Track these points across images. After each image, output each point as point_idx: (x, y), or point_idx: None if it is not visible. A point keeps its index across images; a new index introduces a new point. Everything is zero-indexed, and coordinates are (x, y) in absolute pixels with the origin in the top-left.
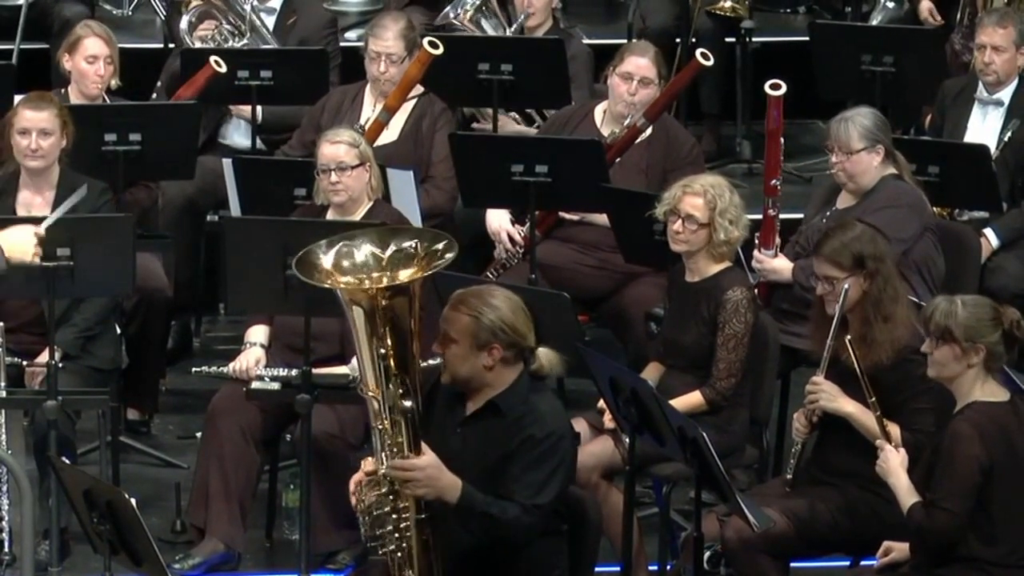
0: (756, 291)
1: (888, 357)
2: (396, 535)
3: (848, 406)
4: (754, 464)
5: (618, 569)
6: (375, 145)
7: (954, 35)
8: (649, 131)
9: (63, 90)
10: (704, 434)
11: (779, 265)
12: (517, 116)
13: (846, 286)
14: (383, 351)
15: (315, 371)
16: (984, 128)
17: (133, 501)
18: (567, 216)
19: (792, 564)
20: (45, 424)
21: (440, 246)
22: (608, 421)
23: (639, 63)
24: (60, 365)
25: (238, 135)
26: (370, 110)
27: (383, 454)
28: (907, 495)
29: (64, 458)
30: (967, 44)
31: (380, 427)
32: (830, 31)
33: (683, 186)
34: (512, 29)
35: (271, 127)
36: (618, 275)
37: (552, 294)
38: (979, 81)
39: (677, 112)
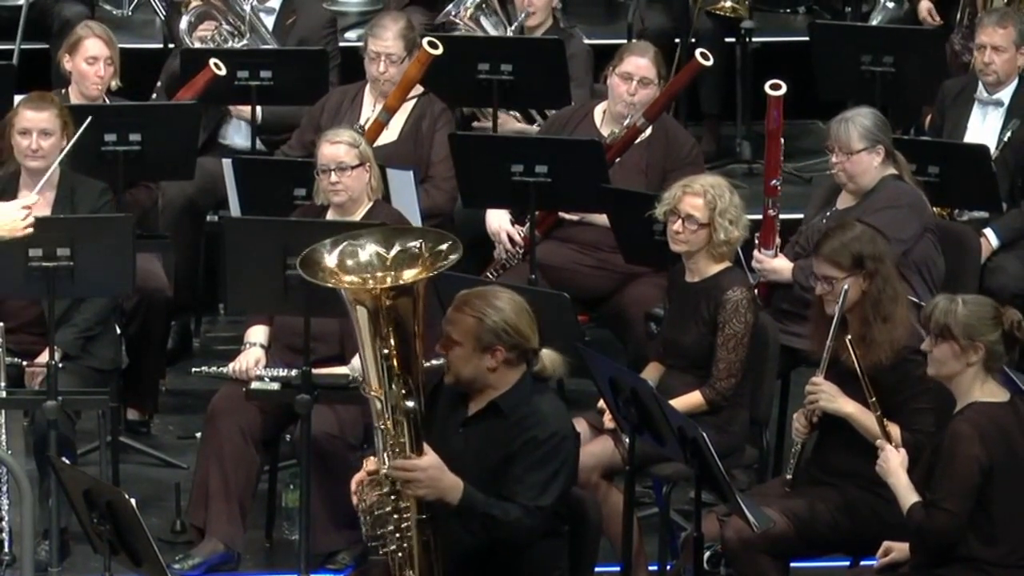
0: (756, 291)
1: (887, 357)
2: (397, 535)
3: (848, 406)
4: (754, 464)
5: (618, 569)
6: (375, 145)
7: (954, 35)
8: (649, 131)
9: (63, 90)
10: (704, 434)
11: (779, 265)
12: (518, 114)
13: (845, 286)
14: (386, 351)
15: (315, 371)
16: (984, 128)
17: (133, 501)
18: (567, 216)
19: (792, 564)
20: (45, 424)
21: (444, 247)
22: (608, 421)
23: (639, 63)
24: (60, 365)
25: (238, 136)
26: (370, 110)
27: (385, 454)
28: (907, 495)
29: (64, 458)
30: (967, 44)
31: (382, 427)
32: (830, 31)
33: (683, 186)
34: (512, 28)
35: (271, 128)
36: (618, 275)
37: (552, 294)
38: (979, 81)
39: (677, 112)
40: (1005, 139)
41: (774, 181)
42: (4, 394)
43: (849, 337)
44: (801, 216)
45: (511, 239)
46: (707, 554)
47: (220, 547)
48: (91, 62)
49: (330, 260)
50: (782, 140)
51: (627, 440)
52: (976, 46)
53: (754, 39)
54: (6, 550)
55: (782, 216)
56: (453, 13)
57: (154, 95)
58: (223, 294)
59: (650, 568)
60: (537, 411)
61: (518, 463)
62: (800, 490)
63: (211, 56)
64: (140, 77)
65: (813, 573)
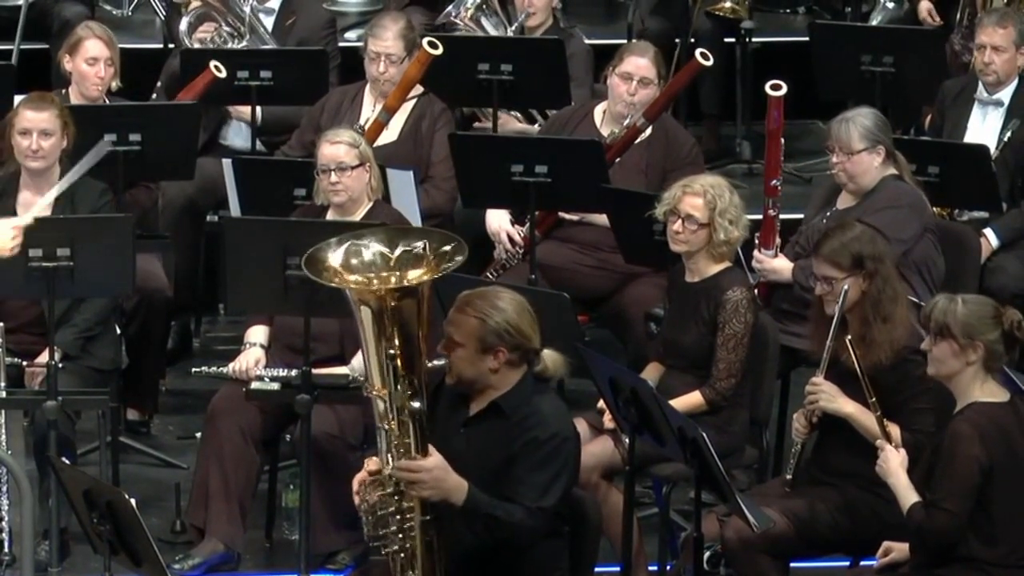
0: (756, 291)
1: (887, 357)
2: (400, 535)
3: (848, 406)
4: (754, 464)
5: (618, 569)
6: (375, 145)
7: (954, 35)
8: (649, 131)
9: (63, 91)
10: (704, 434)
11: (779, 265)
12: (519, 115)
13: (845, 286)
14: (392, 351)
15: (315, 371)
16: (984, 128)
17: (133, 501)
18: (567, 216)
19: (792, 564)
20: (45, 424)
21: (449, 248)
22: (608, 421)
23: (639, 63)
24: (60, 365)
25: (238, 139)
26: (370, 110)
27: (388, 455)
28: (907, 495)
29: (64, 458)
30: (967, 44)
31: (387, 428)
32: (830, 31)
33: (683, 186)
34: (512, 29)
35: (270, 129)
36: (618, 275)
37: (552, 294)
38: (979, 81)
39: (677, 112)
40: (1005, 139)
41: (774, 181)
42: (4, 394)
43: (849, 337)
44: (801, 216)
45: (511, 239)
46: (707, 554)
47: (220, 547)
48: (91, 63)
49: (335, 259)
50: (782, 140)
51: (627, 440)
52: (976, 46)
53: (754, 39)
54: (6, 550)
55: (782, 216)
56: (453, 14)
57: (154, 95)
58: (223, 294)
59: (650, 568)
60: (538, 412)
61: (520, 464)
62: (800, 490)
63: (211, 56)
64: (140, 77)
65: (813, 573)
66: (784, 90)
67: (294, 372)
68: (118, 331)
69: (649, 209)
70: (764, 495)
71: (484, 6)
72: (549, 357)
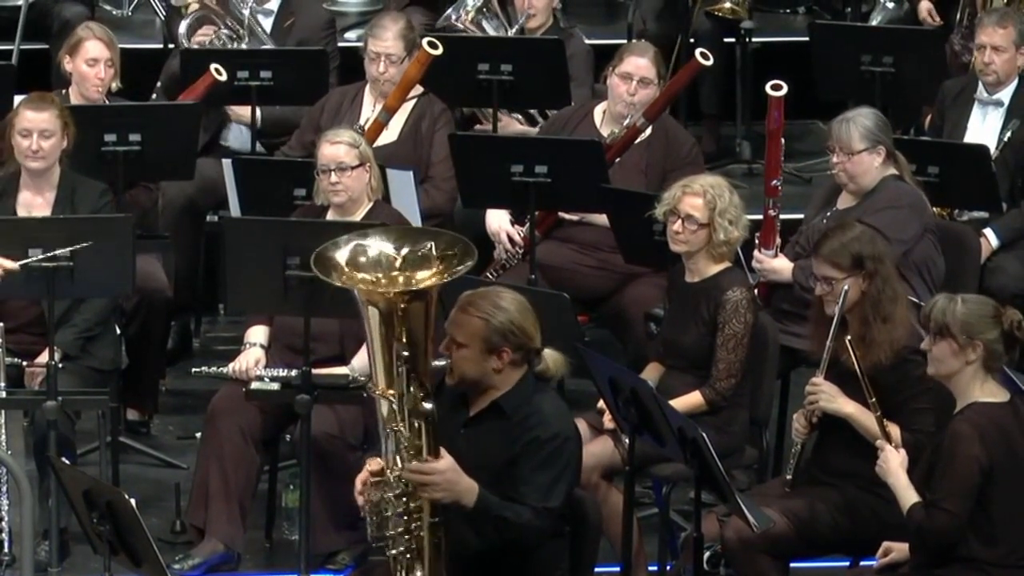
0: (756, 291)
1: (887, 357)
2: (407, 537)
3: (847, 407)
4: (754, 464)
5: (618, 569)
6: (375, 145)
7: (954, 35)
8: (648, 131)
9: (64, 91)
10: (704, 434)
11: (779, 265)
12: (520, 117)
13: (845, 287)
14: (405, 353)
15: (315, 371)
16: (984, 128)
17: (133, 501)
18: (567, 216)
19: (792, 564)
20: (45, 424)
21: (457, 250)
22: (608, 421)
23: (638, 63)
24: (60, 365)
25: (237, 143)
26: (370, 110)
27: (397, 456)
28: (907, 495)
29: (64, 458)
30: (967, 44)
31: (396, 429)
32: (830, 31)
33: (683, 186)
34: (513, 31)
35: (270, 132)
36: (618, 275)
37: (552, 294)
38: (979, 81)
39: (677, 112)
40: (1005, 139)
41: (775, 181)
42: (4, 394)
43: (849, 337)
44: (801, 216)
45: (511, 239)
46: (707, 554)
47: (220, 547)
48: (91, 64)
49: (343, 258)
50: (783, 140)
51: (627, 440)
52: (976, 46)
53: (754, 39)
54: (6, 550)
55: (782, 216)
56: (453, 18)
57: (154, 95)
58: (223, 294)
59: (650, 568)
60: (539, 411)
61: (523, 464)
62: (800, 490)
63: (211, 56)
64: (140, 77)
65: (813, 573)
66: (785, 90)
67: (294, 372)
68: (118, 331)
69: (649, 209)
70: (764, 495)
71: (485, 9)
72: (550, 356)
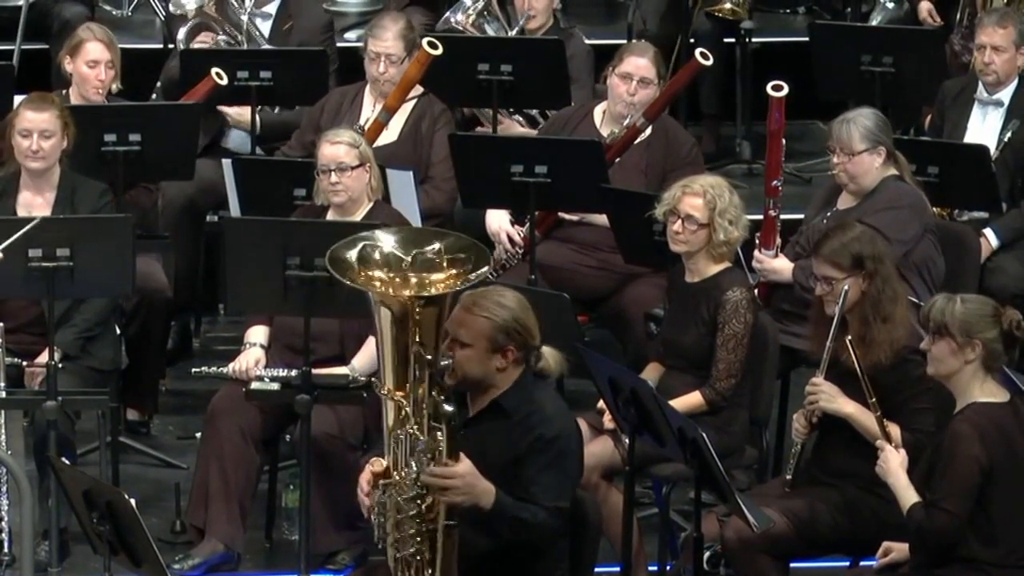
0: (756, 291)
1: (887, 357)
2: (418, 539)
3: (847, 407)
4: (754, 464)
5: (618, 569)
6: (375, 146)
7: (954, 35)
8: (648, 131)
9: (64, 91)
10: (704, 434)
11: (779, 265)
12: (521, 119)
13: (845, 287)
14: (429, 357)
15: (315, 371)
16: (984, 128)
17: (133, 501)
18: (567, 216)
19: (792, 564)
20: (45, 424)
21: (470, 253)
22: (608, 421)
23: (638, 63)
24: (60, 365)
25: (236, 147)
26: (370, 110)
27: (412, 459)
28: (907, 495)
29: (64, 458)
30: (967, 44)
31: (411, 432)
32: (830, 31)
33: (683, 186)
34: (514, 32)
35: (268, 137)
36: (618, 275)
37: (552, 294)
38: (979, 81)
39: (676, 112)
40: (1005, 139)
41: (775, 181)
42: (4, 394)
43: (849, 337)
44: (801, 216)
45: (511, 239)
46: (707, 554)
47: (220, 547)
48: (92, 65)
49: (355, 257)
50: (783, 141)
51: (627, 440)
52: (976, 46)
53: (754, 39)
54: (6, 550)
55: (782, 216)
56: (453, 20)
57: (153, 95)
58: (223, 294)
59: (650, 568)
60: (541, 409)
61: (530, 464)
62: (800, 490)
63: (210, 57)
64: (140, 77)
65: (813, 573)
66: (786, 91)
67: (294, 372)
68: (118, 331)
69: (649, 209)
70: (764, 495)
71: (486, 12)
72: (549, 354)
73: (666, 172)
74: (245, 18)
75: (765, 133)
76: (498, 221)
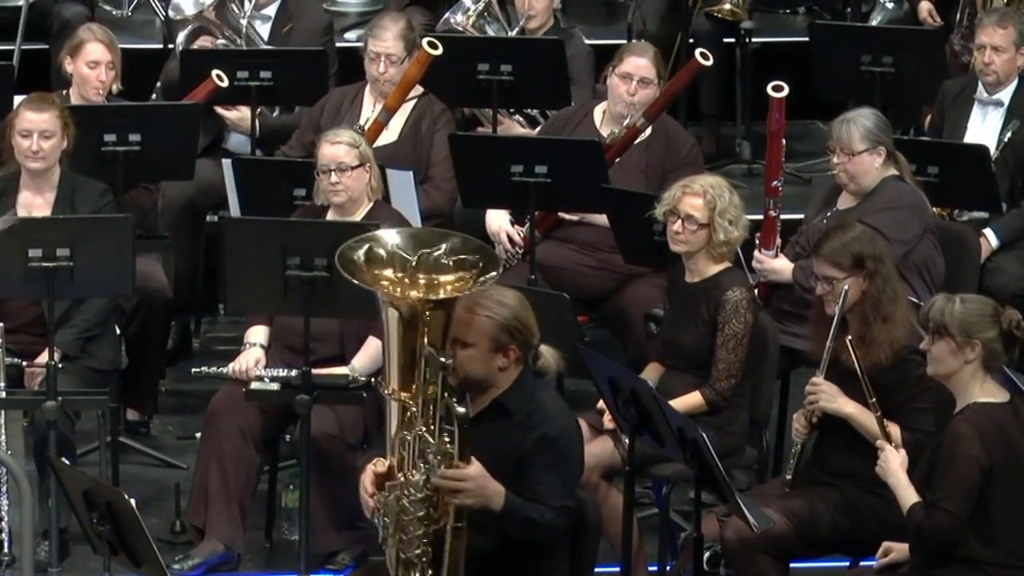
0: (756, 291)
1: (887, 357)
2: (425, 540)
3: (848, 407)
4: (754, 465)
5: (618, 569)
6: (375, 146)
7: (954, 35)
8: (648, 131)
9: (64, 92)
10: (704, 434)
11: (779, 266)
12: (522, 119)
13: (845, 286)
14: (443, 360)
15: (315, 372)
16: (984, 128)
17: (133, 502)
18: (567, 216)
19: (792, 564)
20: (45, 425)
21: (479, 256)
22: (608, 421)
23: (638, 63)
24: (60, 366)
25: (236, 149)
26: (370, 110)
27: (420, 461)
28: (907, 495)
29: (64, 459)
30: (967, 45)
31: (420, 434)
32: (830, 31)
33: (683, 186)
34: (514, 32)
35: (268, 141)
36: (618, 275)
37: (552, 294)
38: (979, 81)
39: (676, 112)
40: (1005, 139)
41: (775, 182)
42: (4, 394)
43: (849, 337)
44: (801, 216)
45: (511, 239)
46: (707, 554)
47: (220, 547)
48: (92, 66)
49: (363, 257)
50: (783, 141)
51: (627, 440)
52: (976, 46)
53: (754, 39)
54: (6, 550)
55: (782, 216)
56: (453, 21)
57: (153, 95)
58: (223, 294)
59: (650, 568)
60: (542, 408)
61: (533, 464)
62: (800, 490)
63: (210, 57)
64: (140, 78)
65: (813, 573)
66: (786, 91)
67: (294, 372)
68: (118, 331)
69: (649, 209)
70: (764, 495)
71: (486, 13)
72: (546, 352)
73: (666, 172)
74: (244, 22)
75: (765, 133)
76: (498, 221)
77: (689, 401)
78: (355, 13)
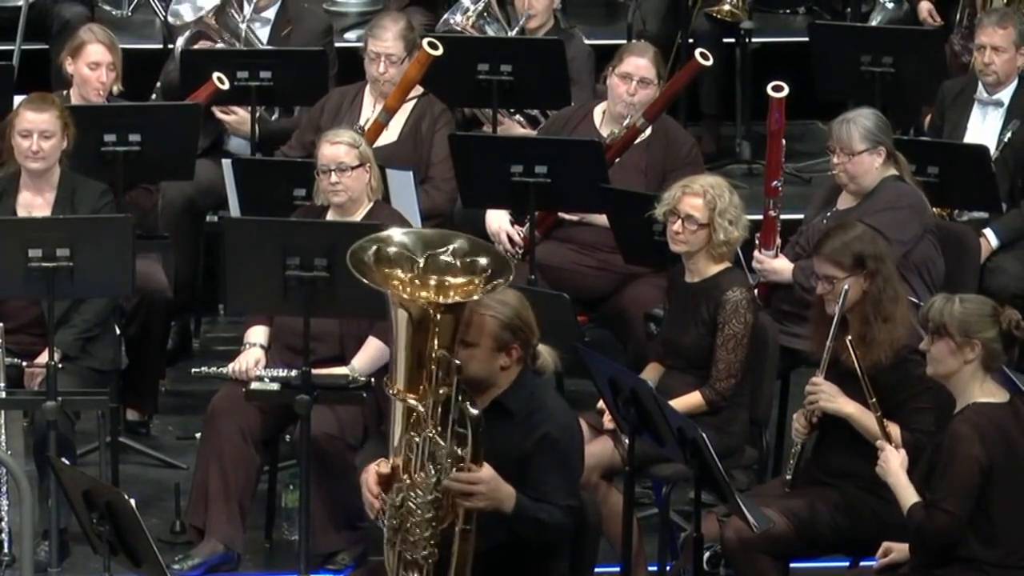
0: (756, 291)
1: (887, 357)
2: (432, 542)
3: (848, 407)
4: (753, 465)
5: (618, 570)
6: (375, 146)
7: (954, 36)
8: (648, 131)
9: (64, 92)
10: (704, 435)
11: (779, 266)
12: (522, 120)
13: (846, 286)
14: (458, 362)
15: (315, 372)
16: (984, 129)
17: (133, 502)
18: (567, 216)
19: (792, 564)
20: (45, 425)
21: (490, 260)
22: (608, 421)
23: (638, 63)
24: (60, 366)
25: (236, 150)
26: (370, 111)
27: (429, 463)
28: (907, 495)
29: (63, 459)
30: (967, 45)
31: (430, 436)
32: (830, 32)
33: (682, 186)
34: (514, 32)
35: (268, 144)
36: (618, 275)
37: (552, 294)
38: (979, 82)
39: (676, 112)
40: (1005, 139)
41: (775, 182)
42: (4, 394)
43: (849, 337)
44: (801, 216)
45: (511, 239)
46: (707, 554)
47: (220, 547)
48: (93, 67)
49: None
50: (783, 141)
51: (627, 440)
52: (976, 46)
53: (753, 39)
54: (6, 550)
55: (782, 216)
56: (452, 21)
57: (153, 95)
58: (223, 294)
59: (650, 568)
60: (543, 407)
61: (537, 463)
62: (800, 490)
63: (210, 57)
64: (140, 78)
65: (813, 573)
66: (786, 91)
67: (294, 372)
68: (118, 331)
69: (649, 209)
70: (764, 495)
71: (486, 14)
72: (544, 351)
73: (666, 172)
74: (243, 26)
75: (765, 133)
76: (498, 221)
77: (689, 401)
78: (355, 13)
